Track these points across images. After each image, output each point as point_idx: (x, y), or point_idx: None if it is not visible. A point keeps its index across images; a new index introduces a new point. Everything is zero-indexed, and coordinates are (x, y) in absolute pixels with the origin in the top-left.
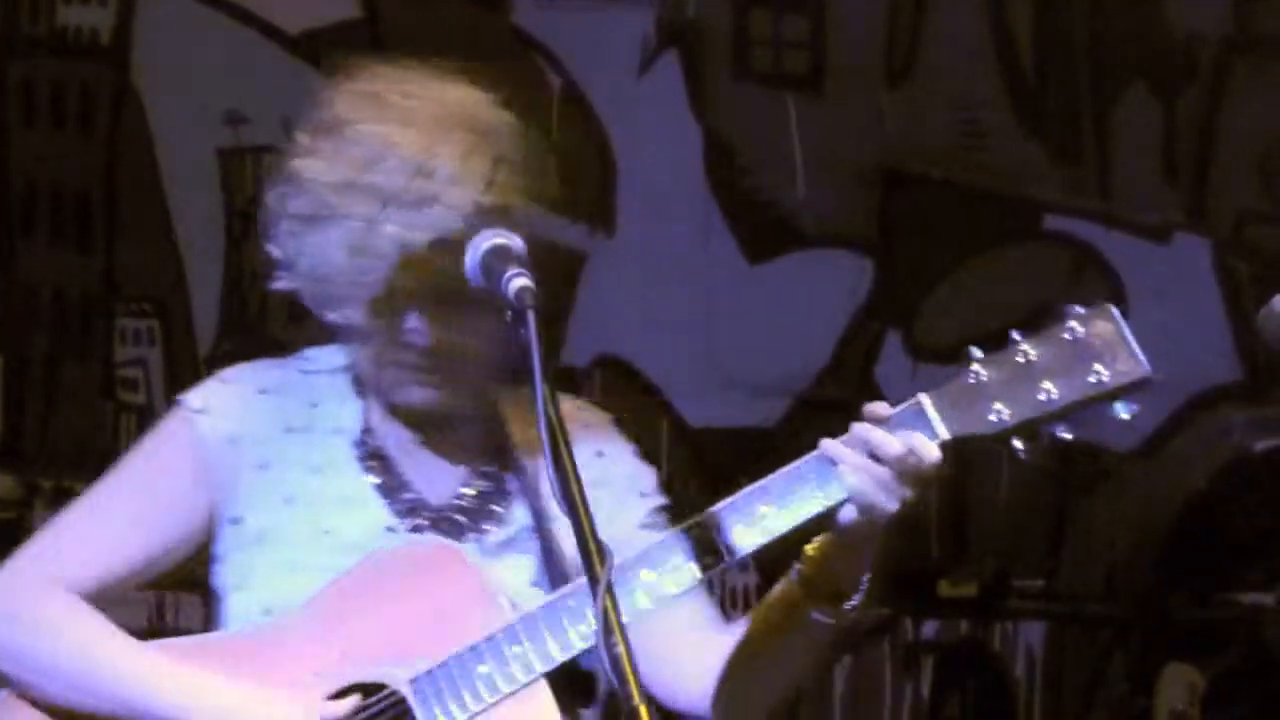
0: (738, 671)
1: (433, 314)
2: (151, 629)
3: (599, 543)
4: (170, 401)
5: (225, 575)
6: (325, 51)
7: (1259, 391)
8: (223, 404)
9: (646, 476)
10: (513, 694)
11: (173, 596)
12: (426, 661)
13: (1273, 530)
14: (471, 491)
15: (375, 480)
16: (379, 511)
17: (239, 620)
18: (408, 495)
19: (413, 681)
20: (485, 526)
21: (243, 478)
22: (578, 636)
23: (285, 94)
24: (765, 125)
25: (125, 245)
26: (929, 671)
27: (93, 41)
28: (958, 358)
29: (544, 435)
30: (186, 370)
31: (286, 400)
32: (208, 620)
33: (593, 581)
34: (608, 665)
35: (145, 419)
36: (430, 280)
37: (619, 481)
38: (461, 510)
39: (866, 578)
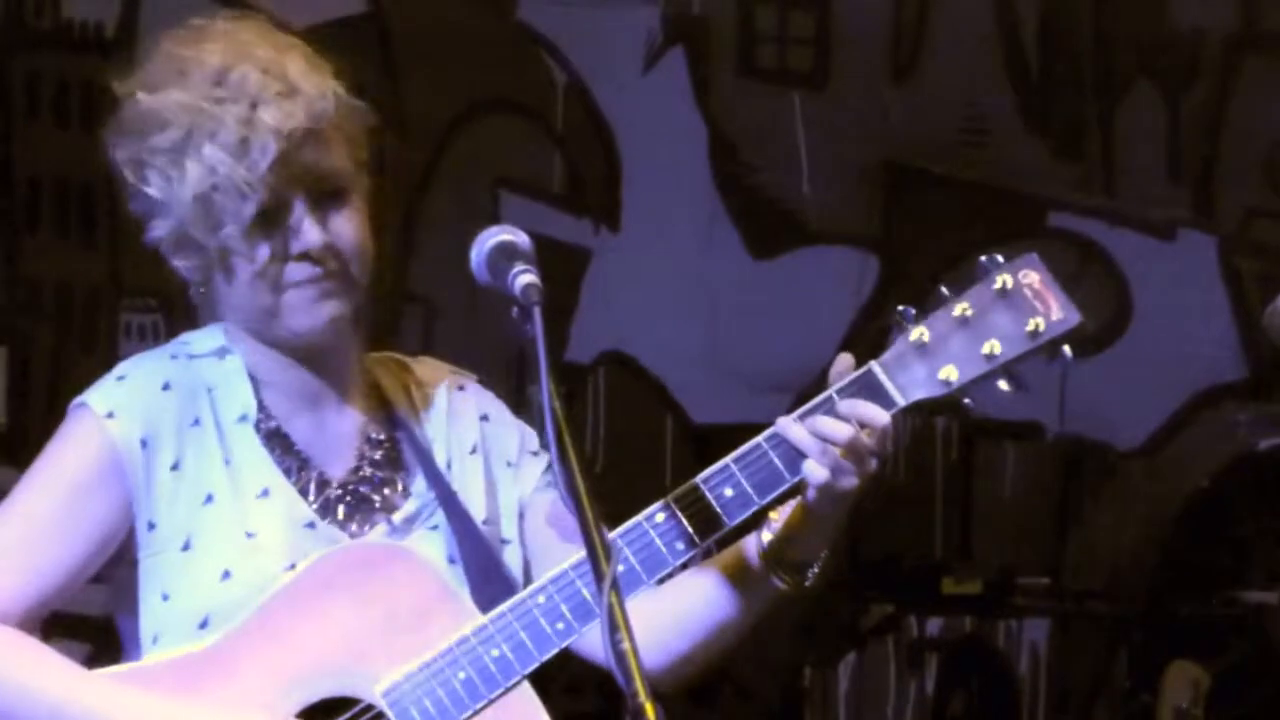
0: (682, 623)
1: (316, 211)
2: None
3: (604, 538)
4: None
5: (147, 581)
6: (331, 46)
7: (1264, 389)
8: (128, 405)
9: (529, 435)
10: (495, 699)
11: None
12: (390, 668)
13: (1277, 528)
14: (368, 460)
15: (281, 462)
16: (295, 504)
17: (173, 631)
18: (312, 471)
19: (386, 693)
20: (391, 499)
21: (156, 480)
22: (556, 635)
23: None
24: (770, 122)
25: (129, 240)
26: (933, 669)
27: (98, 35)
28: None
29: (549, 430)
30: None
31: (188, 392)
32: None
33: (599, 578)
34: (613, 661)
35: None
36: (311, 171)
37: (507, 443)
38: (365, 481)
39: (825, 552)
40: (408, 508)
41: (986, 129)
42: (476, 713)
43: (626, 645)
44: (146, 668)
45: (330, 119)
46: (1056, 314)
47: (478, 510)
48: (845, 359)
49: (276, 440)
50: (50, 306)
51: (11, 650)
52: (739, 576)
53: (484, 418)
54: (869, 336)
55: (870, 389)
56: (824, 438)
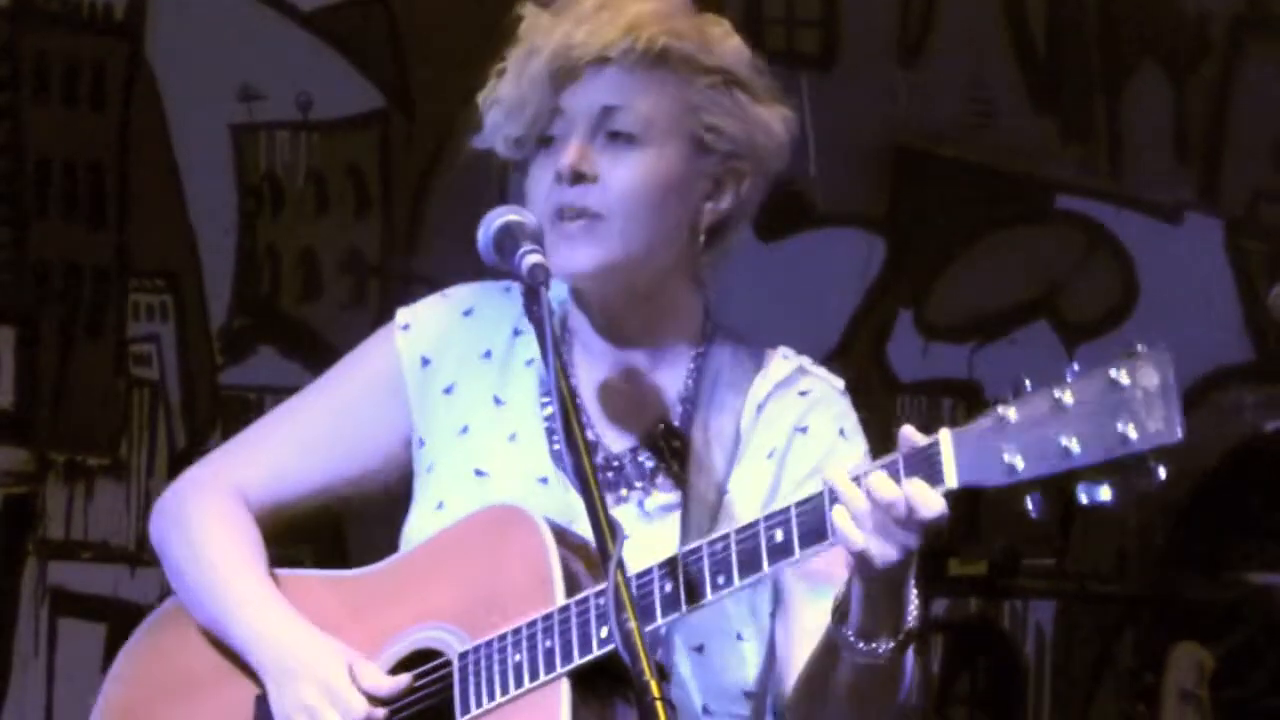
0: (805, 708)
1: (594, 142)
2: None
3: (610, 518)
4: (185, 371)
5: (415, 494)
6: (339, 29)
7: (1270, 371)
8: (425, 322)
9: (845, 456)
10: (532, 689)
11: None
12: (484, 634)
13: None
14: (650, 447)
15: (550, 412)
16: (539, 455)
17: (404, 546)
18: (587, 434)
19: (461, 656)
20: (657, 484)
21: (429, 400)
22: (599, 642)
23: (299, 71)
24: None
25: (138, 221)
26: (939, 650)
27: (106, 17)
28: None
29: (556, 408)
30: (199, 346)
31: (491, 325)
32: None
33: (604, 557)
34: (619, 640)
35: (157, 394)
36: (598, 103)
37: (806, 460)
38: (636, 464)
39: (911, 615)
40: (670, 496)
41: (993, 111)
42: (513, 699)
43: (633, 624)
44: (311, 578)
45: (642, 61)
46: (1155, 424)
47: (740, 518)
48: (910, 431)
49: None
50: (58, 287)
51: (223, 527)
52: (826, 654)
53: (802, 428)
54: (875, 318)
55: (929, 461)
56: (872, 501)
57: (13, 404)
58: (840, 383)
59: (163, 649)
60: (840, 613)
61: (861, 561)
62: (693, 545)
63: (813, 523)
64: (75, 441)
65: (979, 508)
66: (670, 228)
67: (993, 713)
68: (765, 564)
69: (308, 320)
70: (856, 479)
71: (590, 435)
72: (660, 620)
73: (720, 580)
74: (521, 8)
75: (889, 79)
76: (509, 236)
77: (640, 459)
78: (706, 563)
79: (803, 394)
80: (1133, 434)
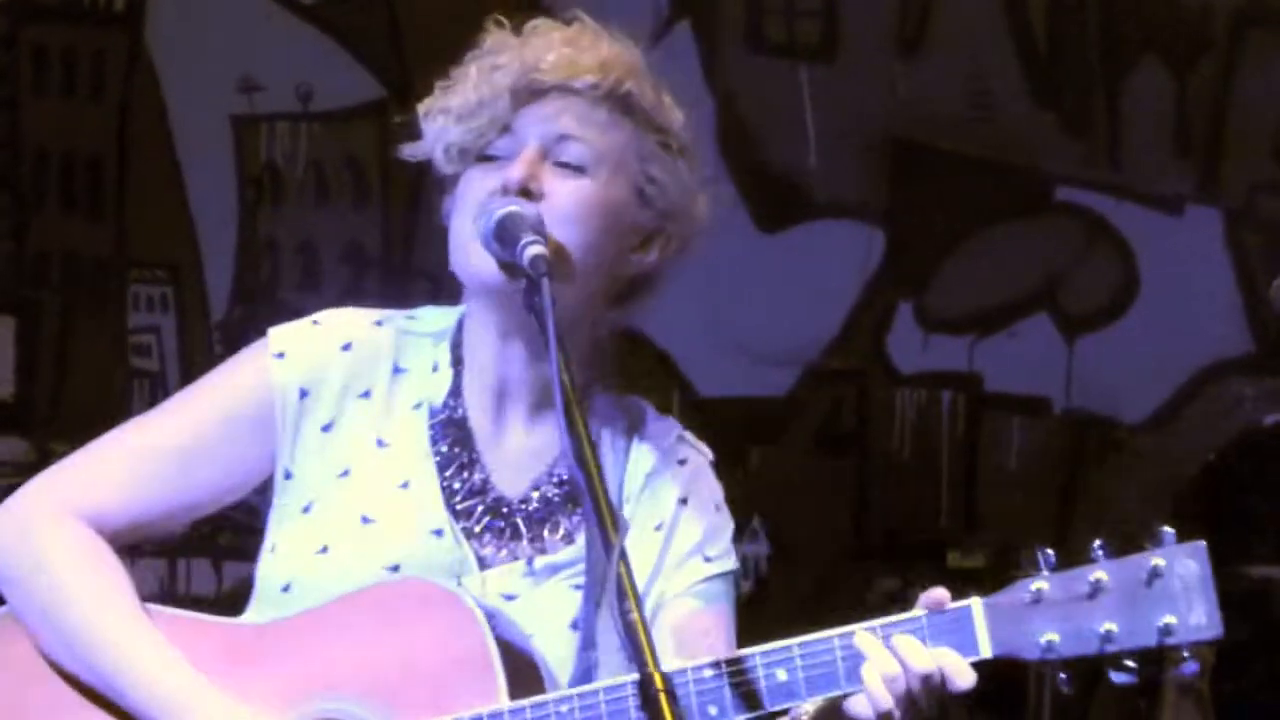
0: None
1: (543, 163)
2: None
3: (614, 510)
4: (185, 362)
5: (270, 527)
6: (339, 20)
7: (1270, 363)
8: (302, 352)
9: (720, 535)
10: None
11: (184, 562)
12: (401, 713)
13: None
14: (542, 493)
15: (440, 457)
16: (433, 508)
17: (261, 582)
18: (477, 475)
19: None
20: (546, 538)
21: (305, 434)
22: None
23: (299, 62)
24: (778, 95)
25: (138, 212)
26: None
27: (106, 8)
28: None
29: (557, 398)
30: (199, 337)
31: (369, 361)
32: (219, 585)
33: (607, 548)
34: (621, 631)
35: (158, 385)
36: (550, 127)
37: (690, 536)
38: (528, 513)
39: None
40: (559, 555)
41: (993, 104)
42: None
43: (635, 615)
44: (201, 625)
45: (606, 99)
46: (1196, 618)
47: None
48: (939, 593)
49: (454, 429)
50: (58, 278)
51: (85, 564)
52: None
53: (683, 500)
54: (874, 310)
55: (961, 627)
56: (902, 665)
57: (12, 394)
58: (711, 455)
59: (7, 665)
60: None
61: (870, 711)
62: (674, 669)
63: (822, 669)
64: (75, 432)
65: (977, 500)
66: (599, 262)
67: (993, 707)
68: (766, 703)
69: (307, 311)
70: (885, 636)
71: (480, 476)
72: None
73: (713, 712)
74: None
75: (889, 71)
76: (510, 227)
77: (532, 508)
78: (693, 688)
79: (681, 462)
80: (1174, 626)
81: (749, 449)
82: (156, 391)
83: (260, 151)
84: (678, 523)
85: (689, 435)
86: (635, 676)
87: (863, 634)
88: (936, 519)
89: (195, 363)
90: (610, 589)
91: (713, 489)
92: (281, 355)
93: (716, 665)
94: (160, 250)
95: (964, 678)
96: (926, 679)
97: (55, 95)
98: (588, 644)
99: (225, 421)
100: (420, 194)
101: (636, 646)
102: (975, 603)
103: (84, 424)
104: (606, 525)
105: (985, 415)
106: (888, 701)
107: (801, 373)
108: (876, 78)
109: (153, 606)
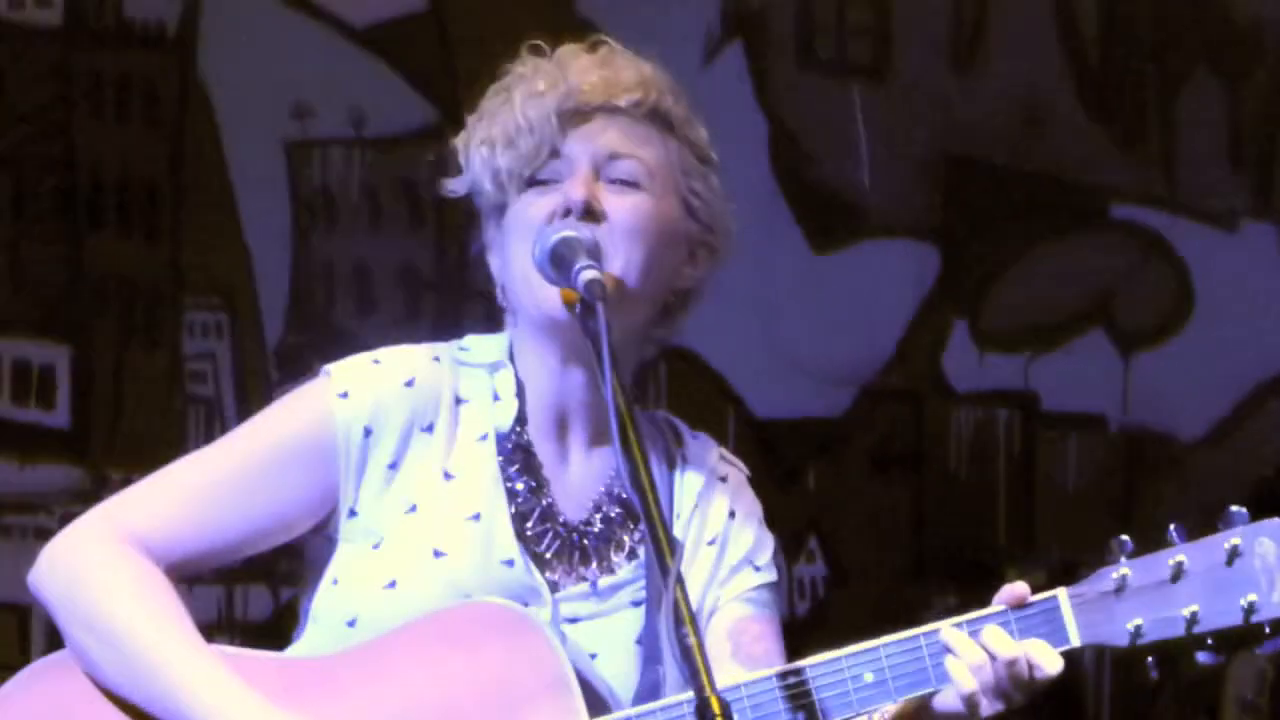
0: None
1: (598, 182)
2: (220, 622)
3: (670, 534)
4: (241, 388)
5: (333, 562)
6: (391, 44)
7: None
8: (365, 390)
9: (765, 547)
10: None
11: (242, 589)
12: None
13: None
14: (604, 513)
15: (510, 483)
16: (503, 538)
17: (322, 616)
18: (544, 501)
19: None
20: (611, 560)
21: (370, 473)
22: None
23: (352, 86)
24: (830, 114)
25: (192, 238)
26: None
27: (159, 33)
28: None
29: (613, 424)
30: (255, 363)
31: (431, 395)
32: (277, 613)
33: (664, 572)
34: (679, 655)
35: (214, 412)
36: (601, 145)
37: (740, 546)
38: (593, 534)
39: None
40: (622, 574)
41: (1047, 119)
42: None
43: (693, 640)
44: (260, 659)
45: (650, 116)
46: (1278, 595)
47: (691, 600)
48: (1018, 588)
49: (521, 455)
50: (113, 304)
51: (145, 593)
52: None
53: (731, 514)
54: (929, 330)
55: (1050, 619)
56: (990, 655)
57: (69, 422)
58: (746, 469)
59: (63, 704)
60: None
61: (971, 713)
62: (756, 677)
63: (911, 667)
64: (131, 459)
65: (1034, 518)
66: (657, 279)
67: (1052, 713)
68: (856, 705)
69: (363, 335)
70: (973, 632)
71: (547, 501)
72: None
73: (801, 718)
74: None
75: (942, 88)
76: (566, 252)
77: (596, 529)
78: (780, 694)
79: (723, 479)
80: (1257, 604)
81: (805, 469)
82: (212, 419)
83: (314, 176)
84: (729, 535)
85: (726, 452)
86: (691, 695)
87: (950, 629)
88: (994, 537)
89: (251, 389)
90: (667, 614)
91: (754, 502)
92: (345, 395)
93: (799, 671)
94: (215, 276)
95: (1052, 664)
96: (1013, 665)
97: (109, 121)
98: (651, 658)
99: (285, 457)
100: (475, 217)
101: (694, 670)
102: (1061, 593)
103: (140, 452)
104: (664, 550)
105: (1042, 433)
106: (975, 692)
107: (857, 393)
108: (929, 95)
109: (212, 646)
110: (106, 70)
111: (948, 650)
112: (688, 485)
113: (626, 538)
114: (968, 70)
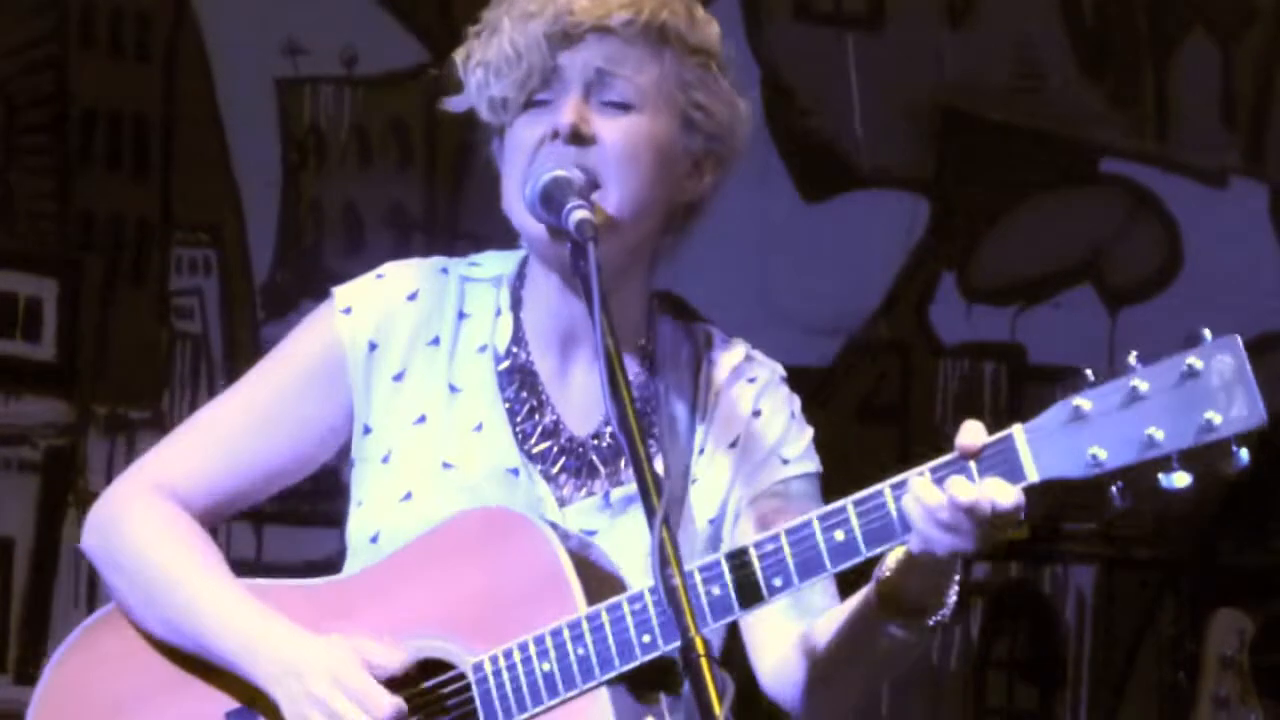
0: (818, 671)
1: (590, 104)
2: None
3: (655, 475)
4: (227, 325)
5: (354, 484)
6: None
7: None
8: (368, 306)
9: (796, 440)
10: (570, 698)
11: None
12: (489, 641)
13: None
14: (613, 429)
15: (510, 402)
16: (506, 447)
17: (353, 539)
18: (548, 418)
19: (476, 668)
20: (621, 472)
21: (377, 387)
22: (641, 648)
23: (344, 25)
24: (824, 65)
25: (182, 174)
26: (979, 613)
27: None
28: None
29: (601, 366)
30: (242, 300)
31: (434, 309)
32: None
33: (649, 513)
34: (663, 596)
35: (200, 348)
36: (594, 67)
37: (764, 442)
38: (599, 449)
39: (951, 594)
40: (634, 486)
41: (1040, 75)
42: (549, 709)
43: (678, 580)
44: (288, 587)
45: (642, 34)
46: (1238, 409)
47: (710, 507)
48: (973, 428)
49: (520, 375)
50: (101, 240)
51: (172, 533)
52: (856, 625)
53: (756, 413)
54: (918, 281)
55: (1006, 458)
56: (952, 502)
57: (55, 356)
58: (782, 370)
59: (106, 660)
60: (887, 595)
61: (932, 551)
62: (735, 549)
63: (878, 522)
64: (117, 394)
65: None
66: (657, 198)
67: (1032, 677)
68: (828, 564)
69: (351, 275)
70: (938, 480)
71: (551, 418)
72: (712, 624)
73: (778, 583)
74: None
75: (936, 41)
76: (556, 191)
77: (605, 444)
78: (758, 565)
79: (751, 380)
80: (1217, 420)
81: None
82: (198, 355)
83: (304, 115)
84: (750, 434)
85: (757, 353)
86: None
87: (915, 478)
88: None
89: (238, 326)
90: (653, 554)
91: (787, 398)
92: (348, 310)
93: (774, 538)
94: (204, 213)
95: (1006, 498)
96: (973, 509)
97: (101, 56)
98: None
99: (300, 383)
100: (464, 157)
101: (679, 611)
102: (1016, 429)
103: (125, 386)
104: (650, 491)
105: (1028, 386)
106: (940, 538)
107: (845, 343)
108: (923, 48)
109: (242, 580)
110: (99, 5)
111: (901, 495)
112: (709, 386)
113: (628, 460)
114: (962, 24)
